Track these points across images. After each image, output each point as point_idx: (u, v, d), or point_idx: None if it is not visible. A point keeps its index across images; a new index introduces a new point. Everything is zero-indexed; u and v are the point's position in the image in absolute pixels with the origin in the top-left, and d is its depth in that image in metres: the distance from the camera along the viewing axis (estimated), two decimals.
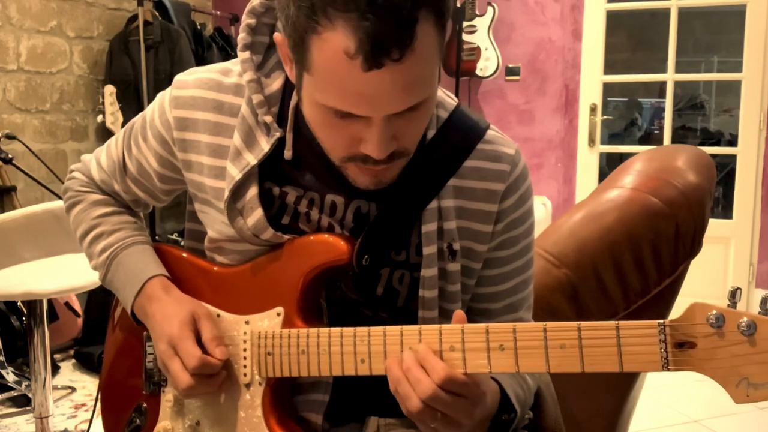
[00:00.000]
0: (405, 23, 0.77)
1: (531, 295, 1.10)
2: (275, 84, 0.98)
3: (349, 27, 0.76)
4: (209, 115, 1.00)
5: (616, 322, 0.80)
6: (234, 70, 1.01)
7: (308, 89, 0.86)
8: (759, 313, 0.76)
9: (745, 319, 0.75)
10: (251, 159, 0.97)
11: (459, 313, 0.88)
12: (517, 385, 0.99)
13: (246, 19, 0.98)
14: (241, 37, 0.98)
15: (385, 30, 0.76)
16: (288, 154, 0.98)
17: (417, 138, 0.91)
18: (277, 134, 0.97)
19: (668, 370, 0.79)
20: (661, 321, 0.79)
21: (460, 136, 0.99)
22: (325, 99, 0.84)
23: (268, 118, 0.97)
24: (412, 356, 0.86)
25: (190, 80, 1.02)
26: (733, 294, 0.79)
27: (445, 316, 0.99)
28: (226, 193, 0.97)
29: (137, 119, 1.11)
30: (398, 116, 0.84)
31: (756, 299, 3.78)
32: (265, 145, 0.97)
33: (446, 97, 1.02)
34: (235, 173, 0.97)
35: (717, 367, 0.76)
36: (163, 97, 1.05)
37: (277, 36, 0.90)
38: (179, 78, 1.04)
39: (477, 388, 0.87)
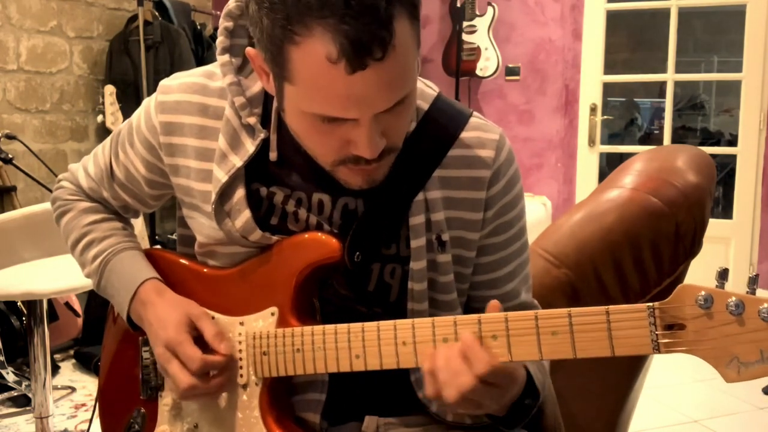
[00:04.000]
0: (383, 21, 0.77)
1: (529, 276, 1.10)
2: (256, 86, 0.98)
3: (329, 32, 0.76)
4: (195, 119, 1.00)
5: (606, 307, 0.81)
6: (218, 73, 1.01)
7: (292, 100, 0.86)
8: (747, 292, 0.77)
9: (734, 299, 0.76)
10: (237, 161, 0.97)
11: (494, 303, 0.88)
12: (536, 370, 0.98)
13: (223, 22, 0.98)
14: (220, 41, 0.98)
15: (365, 31, 0.76)
16: (273, 155, 0.98)
17: (404, 132, 0.92)
18: (262, 135, 0.97)
19: (659, 352, 0.79)
20: (650, 304, 0.79)
21: (442, 126, 0.99)
22: (311, 107, 0.84)
23: (252, 120, 0.97)
24: (457, 346, 0.85)
25: (175, 85, 1.03)
26: (722, 275, 0.80)
27: (436, 307, 0.99)
28: (213, 196, 0.97)
29: (124, 126, 1.11)
30: (385, 113, 0.84)
31: None
32: (250, 146, 0.97)
33: (425, 87, 1.01)
34: (221, 176, 0.97)
35: (707, 348, 0.77)
36: (149, 102, 1.05)
37: (250, 51, 0.89)
38: (164, 83, 1.04)
39: (510, 377, 0.88)
